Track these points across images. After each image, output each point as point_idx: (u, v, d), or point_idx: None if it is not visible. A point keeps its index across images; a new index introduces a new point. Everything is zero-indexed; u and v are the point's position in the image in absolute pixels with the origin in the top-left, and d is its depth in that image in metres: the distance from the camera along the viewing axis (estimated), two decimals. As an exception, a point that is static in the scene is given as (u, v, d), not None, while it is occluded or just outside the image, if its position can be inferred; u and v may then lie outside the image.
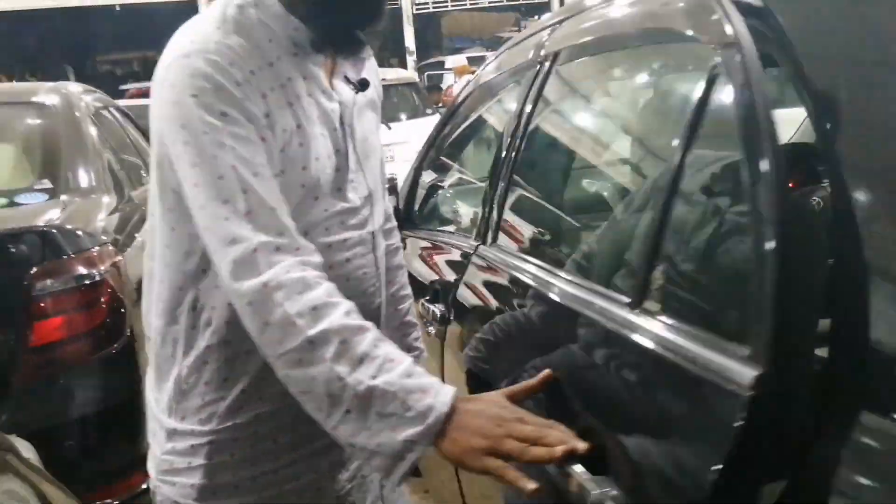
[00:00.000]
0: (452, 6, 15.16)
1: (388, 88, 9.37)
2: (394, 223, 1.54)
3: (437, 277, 2.18)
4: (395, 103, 9.49)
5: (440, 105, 12.41)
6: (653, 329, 1.01)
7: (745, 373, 0.79)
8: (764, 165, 0.81)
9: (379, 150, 1.34)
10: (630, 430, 1.03)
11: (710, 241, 1.09)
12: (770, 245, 0.78)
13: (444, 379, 1.90)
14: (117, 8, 12.77)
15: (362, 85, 1.25)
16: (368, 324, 1.06)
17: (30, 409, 2.18)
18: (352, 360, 1.01)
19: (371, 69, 1.32)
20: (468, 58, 14.62)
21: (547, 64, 1.70)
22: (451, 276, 2.05)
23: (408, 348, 1.53)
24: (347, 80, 1.24)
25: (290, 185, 1.14)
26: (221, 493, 1.22)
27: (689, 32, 1.15)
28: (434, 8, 14.97)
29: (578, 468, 1.00)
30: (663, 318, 1.01)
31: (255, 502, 1.23)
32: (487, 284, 1.79)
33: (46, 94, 3.14)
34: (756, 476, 0.80)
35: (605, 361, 1.15)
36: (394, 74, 10.42)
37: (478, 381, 1.65)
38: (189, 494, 1.22)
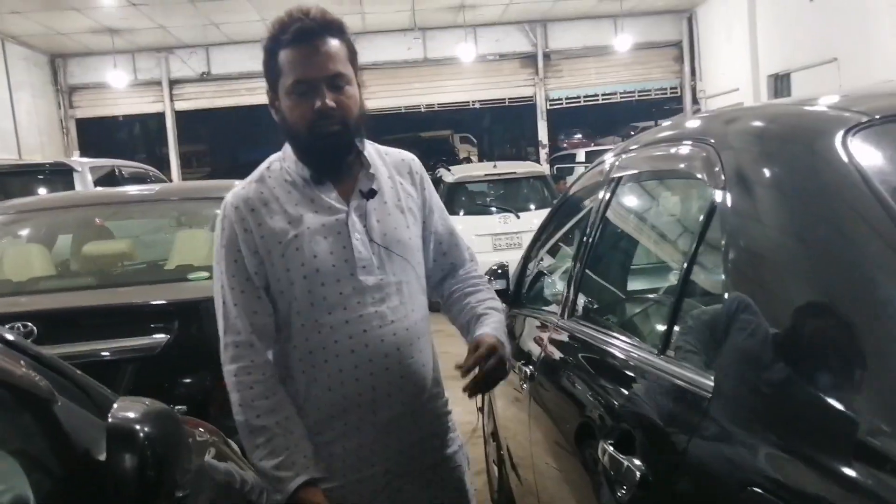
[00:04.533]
0: (584, 102, 15.80)
1: (518, 181, 9.97)
2: (470, 270, 1.99)
3: (530, 344, 2.71)
4: (524, 194, 10.01)
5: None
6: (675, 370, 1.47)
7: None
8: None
9: (409, 242, 1.78)
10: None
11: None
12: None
13: (531, 428, 2.41)
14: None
15: (369, 194, 1.74)
16: (271, 423, 1.67)
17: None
18: (253, 442, 1.68)
19: (402, 180, 1.81)
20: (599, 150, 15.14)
21: (613, 185, 2.25)
22: (539, 342, 2.58)
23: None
24: (361, 192, 1.75)
25: (294, 275, 1.69)
26: None
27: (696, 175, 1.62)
28: (567, 104, 15.67)
29: None
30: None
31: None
32: (562, 348, 2.31)
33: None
34: None
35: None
36: (524, 168, 10.90)
37: (562, 426, 2.17)
38: None
